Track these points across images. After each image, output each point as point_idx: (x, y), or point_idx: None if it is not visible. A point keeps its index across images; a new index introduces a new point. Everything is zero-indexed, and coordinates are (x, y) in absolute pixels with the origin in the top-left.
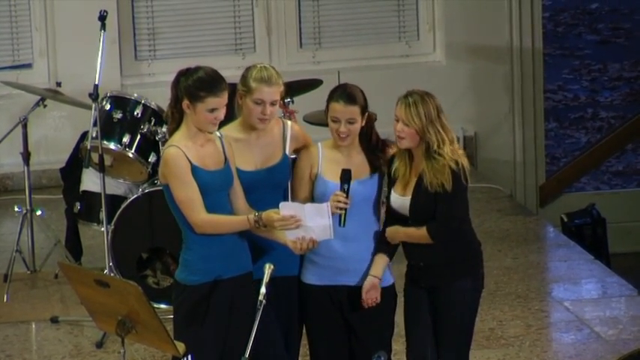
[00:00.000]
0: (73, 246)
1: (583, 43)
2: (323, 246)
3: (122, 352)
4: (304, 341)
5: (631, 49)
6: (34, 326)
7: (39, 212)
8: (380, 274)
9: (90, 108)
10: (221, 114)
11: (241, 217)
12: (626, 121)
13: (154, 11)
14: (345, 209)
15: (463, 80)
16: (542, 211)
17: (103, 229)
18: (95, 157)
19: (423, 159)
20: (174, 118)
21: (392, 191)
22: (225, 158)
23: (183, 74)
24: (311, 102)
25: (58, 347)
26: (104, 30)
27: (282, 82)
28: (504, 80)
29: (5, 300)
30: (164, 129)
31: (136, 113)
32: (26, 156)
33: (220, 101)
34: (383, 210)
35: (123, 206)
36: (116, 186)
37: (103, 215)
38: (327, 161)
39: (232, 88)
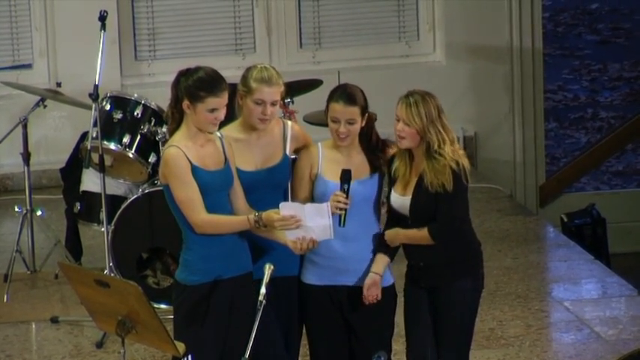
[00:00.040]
0: (73, 246)
1: (583, 43)
2: (323, 246)
3: (122, 352)
4: (304, 341)
5: (631, 49)
6: (34, 326)
7: (39, 212)
8: (381, 272)
9: (90, 108)
10: (221, 114)
11: (241, 217)
12: (626, 121)
13: (154, 11)
14: (345, 209)
15: (463, 80)
16: (542, 211)
17: (103, 229)
18: (95, 157)
19: (423, 159)
20: (175, 118)
21: (392, 191)
22: (226, 158)
23: (184, 74)
24: (311, 102)
25: (58, 347)
26: (104, 30)
27: (283, 82)
28: (504, 80)
29: (5, 300)
30: (164, 129)
31: (136, 113)
32: (26, 156)
33: (220, 101)
34: (383, 210)
35: (123, 206)
36: (116, 186)
37: (103, 215)
38: (327, 161)
39: (232, 89)
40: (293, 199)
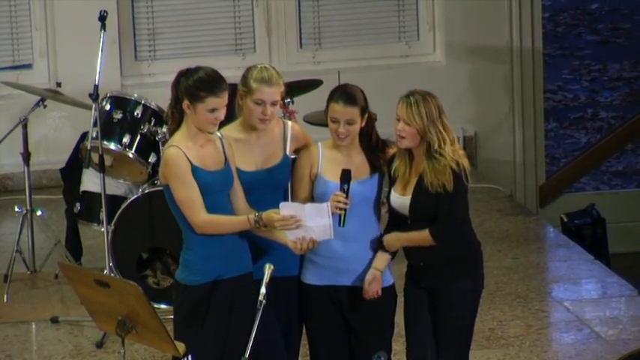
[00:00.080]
0: (73, 246)
1: (583, 43)
2: (323, 246)
3: (122, 352)
4: (304, 341)
5: (631, 49)
6: (34, 326)
7: (39, 212)
8: (382, 268)
9: (90, 108)
10: (221, 114)
11: (241, 218)
12: (626, 121)
13: (154, 11)
14: (345, 209)
15: (463, 80)
16: (542, 211)
17: (103, 229)
18: (95, 157)
19: (423, 159)
20: (175, 118)
21: (392, 190)
22: (226, 158)
23: (184, 74)
24: (311, 102)
25: (58, 347)
26: (104, 30)
27: (283, 82)
28: (504, 80)
29: (5, 300)
30: (164, 129)
31: (136, 113)
32: (26, 156)
33: (220, 101)
34: (383, 210)
35: (123, 206)
36: (116, 186)
37: (103, 215)
38: (327, 161)
39: (232, 89)
40: (293, 199)
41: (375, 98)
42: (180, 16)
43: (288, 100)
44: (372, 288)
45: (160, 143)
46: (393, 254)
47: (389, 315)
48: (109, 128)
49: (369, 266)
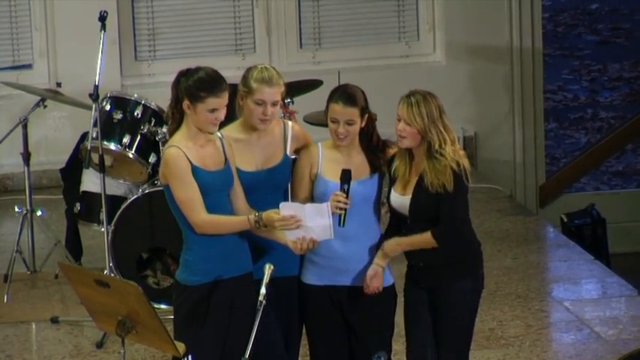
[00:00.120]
0: (73, 246)
1: (583, 43)
2: (323, 246)
3: (122, 352)
4: (304, 341)
5: (631, 49)
6: (34, 326)
7: (39, 212)
8: (383, 264)
9: (90, 108)
10: (221, 114)
11: (242, 218)
12: (625, 122)
13: (154, 12)
14: (345, 209)
15: (463, 80)
16: (542, 212)
17: (103, 229)
18: (95, 157)
19: (423, 159)
20: (175, 118)
21: (392, 190)
22: (226, 159)
23: (184, 74)
24: (311, 102)
25: (58, 347)
26: (104, 30)
27: (283, 82)
28: (504, 80)
29: (5, 300)
30: (164, 129)
31: (136, 114)
32: (26, 156)
33: (221, 102)
34: (383, 210)
35: (123, 207)
36: (116, 186)
37: (103, 215)
38: (327, 161)
39: (233, 89)
40: (293, 199)
41: (375, 98)
42: (180, 16)
43: (288, 100)
44: (374, 283)
45: (160, 143)
46: None
47: (389, 315)
48: (109, 128)
49: (368, 266)
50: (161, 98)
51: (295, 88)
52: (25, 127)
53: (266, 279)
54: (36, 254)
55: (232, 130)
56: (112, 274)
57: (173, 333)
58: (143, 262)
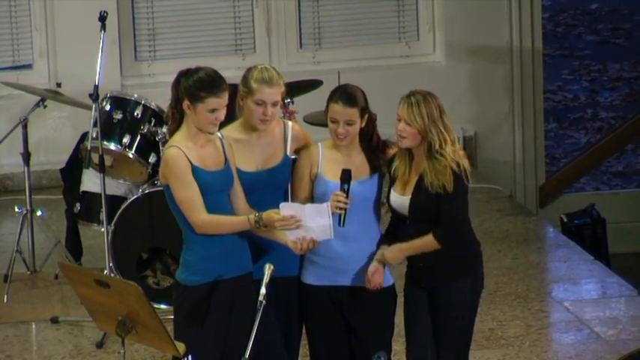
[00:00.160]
0: (73, 246)
1: (583, 43)
2: (323, 246)
3: (122, 352)
4: (304, 341)
5: (631, 49)
6: (34, 326)
7: (39, 212)
8: (383, 262)
9: (90, 108)
10: (221, 114)
11: (242, 218)
12: (625, 122)
13: (154, 12)
14: (345, 209)
15: (463, 80)
16: (542, 212)
17: (103, 229)
18: (95, 157)
19: (424, 159)
20: (175, 118)
21: (391, 190)
22: (226, 159)
23: (184, 75)
24: (311, 102)
25: (58, 347)
26: (104, 30)
27: (283, 82)
28: (504, 80)
29: (5, 300)
30: (164, 129)
31: (136, 114)
32: (26, 156)
33: (221, 102)
34: (383, 210)
35: (123, 207)
36: (116, 186)
37: (103, 215)
38: (327, 161)
39: (233, 89)
40: (293, 199)
41: (375, 98)
42: (180, 17)
43: (288, 100)
44: (375, 279)
45: (160, 143)
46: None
47: (389, 315)
48: (109, 128)
49: (368, 266)
50: (161, 98)
51: (295, 88)
52: (25, 127)
53: (266, 279)
54: (36, 254)
55: (232, 131)
56: (112, 274)
57: (173, 333)
58: (143, 262)
